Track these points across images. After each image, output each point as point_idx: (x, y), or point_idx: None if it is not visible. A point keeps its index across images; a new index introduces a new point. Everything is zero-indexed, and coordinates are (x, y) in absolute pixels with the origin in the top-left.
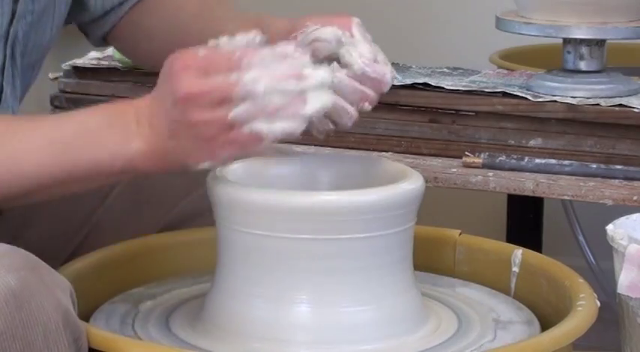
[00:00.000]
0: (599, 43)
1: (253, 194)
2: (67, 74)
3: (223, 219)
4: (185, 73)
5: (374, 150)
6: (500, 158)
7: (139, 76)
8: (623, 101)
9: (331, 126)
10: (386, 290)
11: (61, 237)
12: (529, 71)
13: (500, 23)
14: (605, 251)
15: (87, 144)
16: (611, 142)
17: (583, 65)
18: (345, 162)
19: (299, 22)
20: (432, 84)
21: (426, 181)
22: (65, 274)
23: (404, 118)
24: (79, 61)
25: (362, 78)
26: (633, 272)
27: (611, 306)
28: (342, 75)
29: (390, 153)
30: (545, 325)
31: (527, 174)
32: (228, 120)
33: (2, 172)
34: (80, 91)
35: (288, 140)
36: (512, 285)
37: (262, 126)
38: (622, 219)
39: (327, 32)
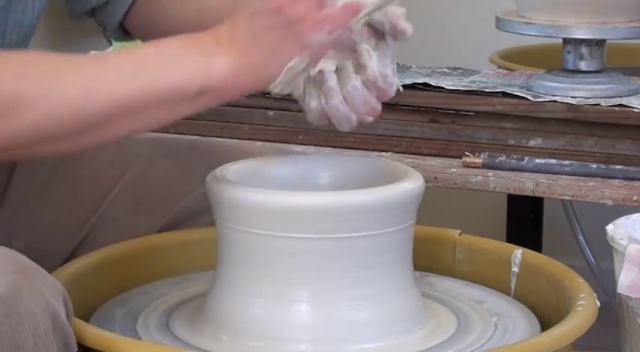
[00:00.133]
0: (599, 43)
1: (253, 194)
2: None
3: (223, 218)
4: None
5: (374, 150)
6: (500, 158)
7: None
8: (623, 101)
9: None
10: (385, 289)
11: (61, 237)
12: (529, 71)
13: (500, 23)
14: (605, 251)
15: (165, 62)
16: (611, 142)
17: (583, 65)
18: (345, 162)
19: None
20: (432, 84)
21: (426, 181)
22: (65, 274)
23: (404, 118)
24: None
25: (370, 84)
26: (633, 272)
27: (611, 306)
28: (358, 83)
29: (390, 153)
30: (545, 325)
31: (527, 174)
32: None
33: (77, 90)
34: None
35: (288, 140)
36: (512, 285)
37: None
38: (622, 219)
39: None
